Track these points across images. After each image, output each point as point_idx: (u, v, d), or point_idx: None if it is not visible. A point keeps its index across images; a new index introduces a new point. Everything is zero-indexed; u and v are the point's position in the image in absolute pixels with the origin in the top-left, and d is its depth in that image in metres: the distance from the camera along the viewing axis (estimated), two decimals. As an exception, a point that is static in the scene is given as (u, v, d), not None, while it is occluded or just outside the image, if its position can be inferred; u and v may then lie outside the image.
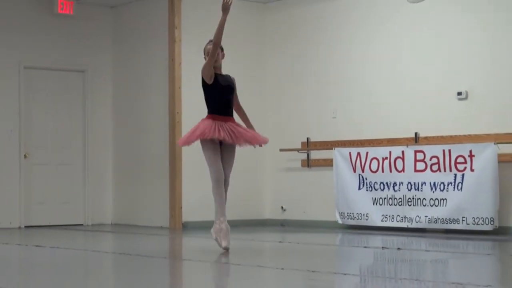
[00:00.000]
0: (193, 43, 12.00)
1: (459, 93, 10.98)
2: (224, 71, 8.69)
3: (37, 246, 9.77)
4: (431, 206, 10.82)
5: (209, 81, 8.40)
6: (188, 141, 8.51)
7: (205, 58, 8.49)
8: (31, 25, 12.91)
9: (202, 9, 12.68)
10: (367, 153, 11.55)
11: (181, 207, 12.32)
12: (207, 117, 8.50)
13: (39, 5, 12.92)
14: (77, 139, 13.35)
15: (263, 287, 6.57)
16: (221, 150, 8.48)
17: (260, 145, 8.85)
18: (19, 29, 12.83)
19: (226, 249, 8.34)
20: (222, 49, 8.55)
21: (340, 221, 11.78)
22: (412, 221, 11.00)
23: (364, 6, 12.07)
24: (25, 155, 12.83)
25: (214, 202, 8.42)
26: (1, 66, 12.69)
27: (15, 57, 12.79)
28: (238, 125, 8.62)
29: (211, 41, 8.43)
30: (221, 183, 8.39)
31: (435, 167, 10.84)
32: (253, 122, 12.75)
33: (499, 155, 10.36)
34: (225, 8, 8.25)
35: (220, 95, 8.53)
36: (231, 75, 8.76)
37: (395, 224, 11.16)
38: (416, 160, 11.03)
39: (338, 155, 11.85)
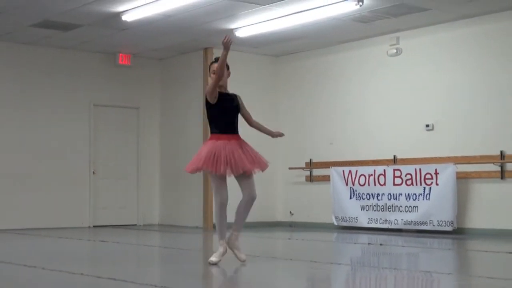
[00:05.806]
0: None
1: (427, 125, 10.98)
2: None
3: (102, 241, 9.80)
4: (406, 211, 10.79)
5: (213, 102, 6.69)
6: (194, 170, 6.69)
7: (210, 76, 6.88)
8: (99, 73, 13.00)
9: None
10: (356, 171, 11.53)
11: (213, 211, 12.28)
12: (211, 138, 6.71)
13: (105, 58, 13.02)
14: (132, 159, 13.36)
15: (276, 274, 6.56)
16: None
17: (262, 171, 6.87)
18: (91, 76, 12.92)
19: (214, 264, 6.69)
20: (228, 68, 6.91)
21: (335, 223, 11.74)
22: (391, 223, 10.97)
23: (355, 60, 12.09)
24: (93, 172, 12.89)
25: (216, 224, 6.77)
26: (76, 104, 12.77)
27: (87, 97, 12.86)
28: (242, 144, 6.76)
29: (216, 59, 6.85)
30: (224, 208, 6.70)
31: (409, 182, 10.81)
32: (268, 146, 12.84)
33: (457, 173, 10.36)
34: (226, 47, 6.59)
35: (224, 115, 6.73)
36: (237, 94, 6.97)
37: (378, 225, 11.12)
38: (394, 176, 11.01)
39: (334, 172, 11.84)
